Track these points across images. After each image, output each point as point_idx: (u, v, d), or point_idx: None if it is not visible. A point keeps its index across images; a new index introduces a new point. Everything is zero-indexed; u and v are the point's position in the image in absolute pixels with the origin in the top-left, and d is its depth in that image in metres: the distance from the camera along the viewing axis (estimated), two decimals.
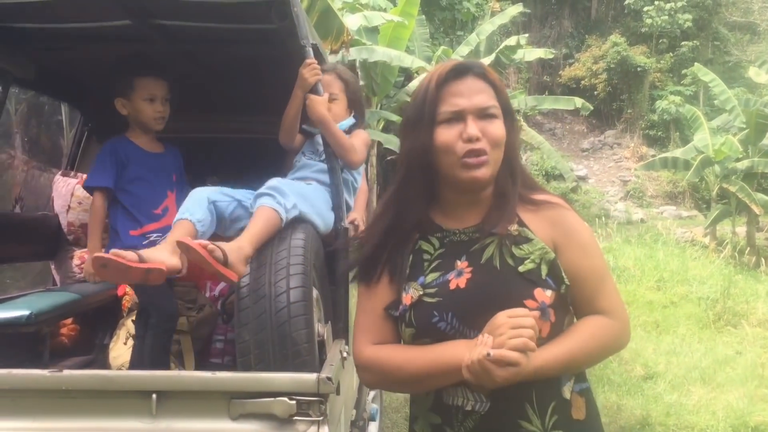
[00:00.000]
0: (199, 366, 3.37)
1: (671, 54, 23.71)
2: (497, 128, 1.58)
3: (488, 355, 1.39)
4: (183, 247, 2.15)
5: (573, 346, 1.54)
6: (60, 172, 4.19)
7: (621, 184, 21.70)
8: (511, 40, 14.86)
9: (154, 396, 1.93)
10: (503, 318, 1.44)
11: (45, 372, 2.01)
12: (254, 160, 4.06)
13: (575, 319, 1.63)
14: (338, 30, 9.23)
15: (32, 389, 1.97)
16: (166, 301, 2.98)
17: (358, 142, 2.90)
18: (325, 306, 2.65)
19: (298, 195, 2.53)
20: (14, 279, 7.01)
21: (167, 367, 2.90)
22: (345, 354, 2.41)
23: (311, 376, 1.94)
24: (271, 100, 3.79)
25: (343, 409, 2.53)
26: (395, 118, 13.26)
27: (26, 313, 3.34)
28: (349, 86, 3.10)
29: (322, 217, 2.62)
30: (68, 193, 4.02)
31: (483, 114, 1.58)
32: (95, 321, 3.80)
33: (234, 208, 2.60)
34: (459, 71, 1.61)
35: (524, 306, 1.50)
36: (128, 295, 3.64)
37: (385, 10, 12.83)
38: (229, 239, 2.36)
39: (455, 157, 1.57)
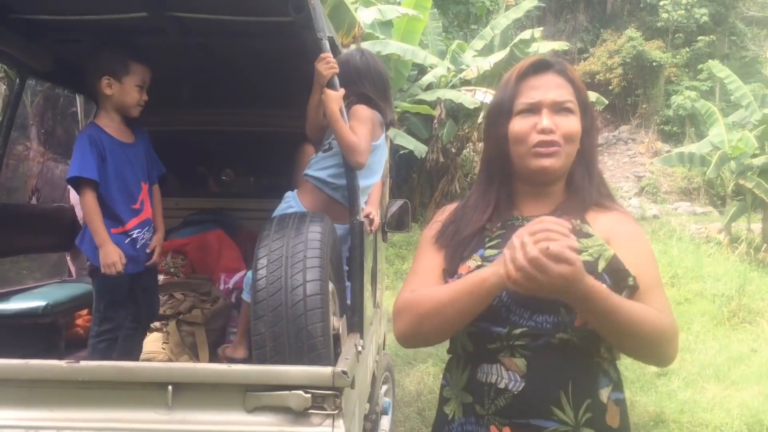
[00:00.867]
0: (213, 358, 3.39)
1: (687, 49, 23.50)
2: (572, 123, 1.61)
3: (548, 248, 1.32)
4: None
5: (631, 307, 1.47)
6: None
7: (635, 179, 21.57)
8: (526, 34, 14.78)
9: (170, 388, 1.93)
10: (544, 223, 1.37)
11: (62, 363, 2.02)
12: (269, 153, 4.07)
13: None
14: (350, 24, 9.20)
15: (49, 380, 1.98)
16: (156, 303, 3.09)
17: (361, 130, 2.80)
18: (341, 299, 2.65)
19: None
20: (30, 270, 7.06)
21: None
22: (360, 348, 2.41)
23: (326, 370, 1.94)
24: (286, 94, 3.79)
25: (358, 402, 2.53)
26: (409, 107, 13.22)
27: (42, 303, 3.38)
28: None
29: None
30: None
31: (559, 108, 1.61)
32: None
33: None
34: (540, 66, 1.65)
35: None
36: None
37: (399, 4, 12.79)
38: None
39: (527, 146, 1.60)
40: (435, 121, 14.70)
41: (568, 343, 1.53)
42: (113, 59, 2.95)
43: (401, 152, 15.37)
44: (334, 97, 2.72)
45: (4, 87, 7.46)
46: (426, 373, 6.32)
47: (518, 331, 1.54)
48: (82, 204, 2.90)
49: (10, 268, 6.81)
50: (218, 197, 4.65)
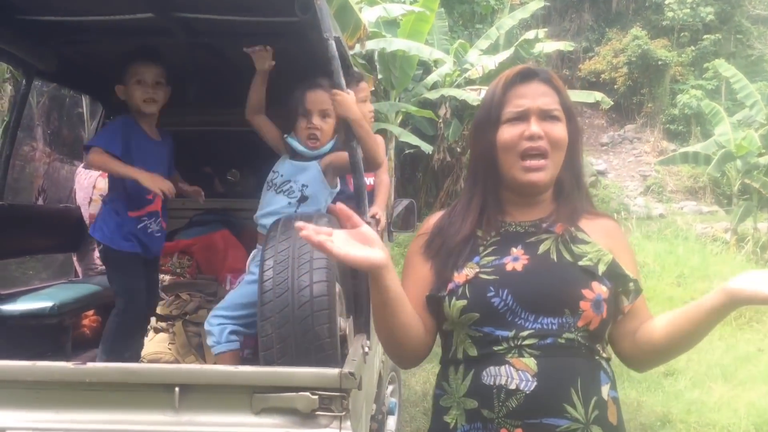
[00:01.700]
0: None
1: (693, 47, 23.40)
2: (559, 130, 1.64)
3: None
4: None
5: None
6: (82, 165, 4.22)
7: (641, 178, 21.50)
8: (530, 34, 14.75)
9: (176, 389, 1.93)
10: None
11: (69, 364, 2.02)
12: (275, 153, 4.05)
13: (612, 329, 1.66)
14: (355, 25, 9.17)
15: (56, 381, 1.99)
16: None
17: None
18: (347, 300, 2.65)
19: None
20: (37, 271, 7.08)
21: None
22: (366, 349, 2.40)
23: (334, 371, 1.93)
24: (291, 94, 3.78)
25: (364, 403, 2.52)
26: (413, 109, 13.21)
27: (49, 304, 3.38)
28: None
29: None
30: (90, 186, 4.05)
31: (546, 116, 1.63)
32: None
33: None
34: (526, 75, 1.68)
35: (582, 295, 1.55)
36: None
37: (404, 2, 12.78)
38: None
39: (515, 155, 1.62)
40: (440, 120, 14.69)
41: (574, 342, 1.56)
42: (123, 70, 3.13)
43: (406, 151, 15.36)
44: (353, 99, 2.75)
45: (10, 88, 7.47)
46: (432, 373, 6.31)
47: (525, 333, 1.56)
48: (101, 162, 3.08)
49: (17, 269, 6.83)
50: (224, 197, 4.64)
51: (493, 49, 15.18)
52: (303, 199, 2.88)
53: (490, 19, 17.90)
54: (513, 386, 1.54)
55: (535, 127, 1.61)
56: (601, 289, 1.57)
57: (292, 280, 2.22)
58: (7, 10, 2.98)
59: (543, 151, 1.61)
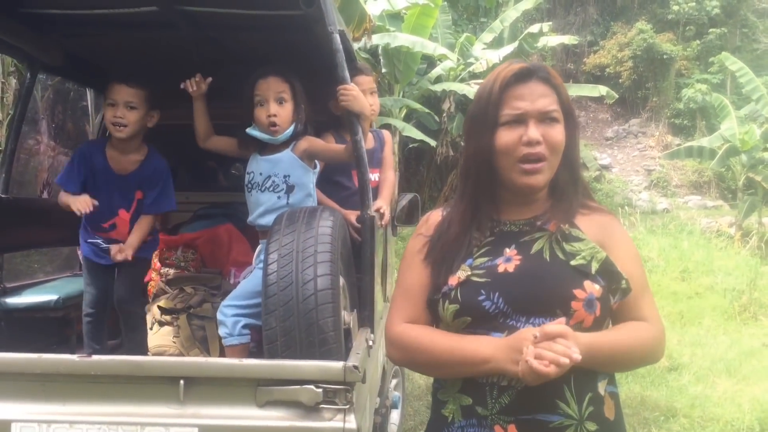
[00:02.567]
0: (224, 353, 3.40)
1: (698, 41, 23.30)
2: (558, 133, 1.61)
3: (530, 366, 1.42)
4: None
5: (618, 339, 1.59)
6: None
7: (645, 173, 21.44)
8: (534, 28, 14.70)
9: (181, 382, 1.94)
10: (545, 333, 1.46)
11: (74, 357, 2.03)
12: None
13: (611, 326, 1.66)
14: (360, 17, 9.14)
15: (61, 374, 2.00)
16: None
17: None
18: (351, 294, 2.65)
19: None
20: (41, 264, 7.09)
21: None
22: (371, 342, 2.40)
23: (338, 365, 1.94)
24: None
25: (368, 397, 2.53)
26: (417, 105, 13.19)
27: (54, 297, 3.40)
28: (296, 89, 2.97)
29: None
30: None
31: (545, 118, 1.60)
32: None
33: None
34: (523, 75, 1.62)
35: (573, 295, 1.54)
36: (153, 281, 3.66)
37: None
38: None
39: (513, 159, 1.60)
40: (444, 114, 14.66)
41: None
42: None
43: (410, 146, 15.34)
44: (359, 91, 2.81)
45: (15, 81, 7.48)
46: None
47: None
48: (60, 201, 3.09)
49: (22, 262, 6.84)
50: (228, 191, 4.64)
51: (497, 43, 15.12)
52: (290, 189, 2.88)
53: (494, 12, 17.84)
54: (504, 383, 1.55)
55: (533, 132, 1.58)
56: (593, 288, 1.55)
57: (296, 273, 2.23)
58: (11, 4, 2.98)
59: (541, 156, 1.59)
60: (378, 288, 2.87)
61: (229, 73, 3.76)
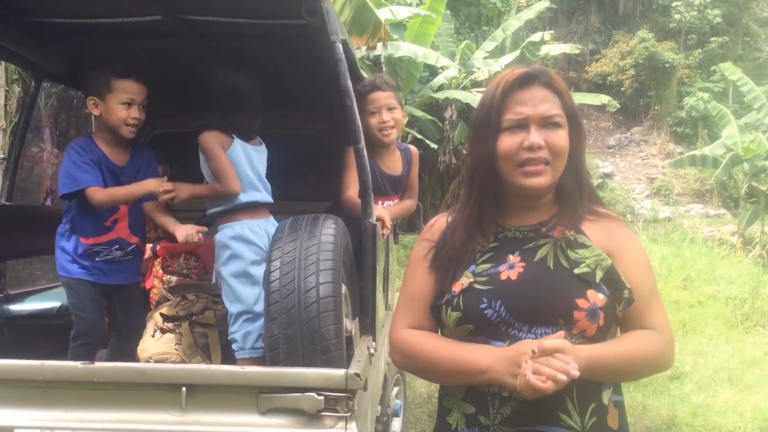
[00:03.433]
0: (226, 360, 3.40)
1: (700, 50, 23.34)
2: (560, 138, 1.60)
3: (527, 380, 1.43)
4: None
5: (620, 350, 1.57)
6: None
7: (647, 181, 21.44)
8: (536, 36, 14.73)
9: (183, 389, 1.95)
10: (544, 348, 1.46)
11: (77, 364, 2.04)
12: (281, 155, 4.07)
13: (619, 334, 1.65)
14: (375, 26, 9.00)
15: (64, 381, 2.00)
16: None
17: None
18: (353, 302, 2.65)
19: None
20: (44, 271, 7.10)
21: None
22: (372, 350, 2.41)
23: (340, 372, 1.95)
24: (299, 96, 3.80)
25: (370, 404, 2.53)
26: (420, 113, 13.21)
27: (57, 305, 3.40)
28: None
29: None
30: None
31: (547, 123, 1.59)
32: None
33: None
34: (525, 80, 1.62)
35: (576, 305, 1.53)
36: (156, 288, 3.67)
37: (410, 5, 12.78)
38: None
39: (514, 164, 1.59)
40: (446, 122, 14.68)
41: None
42: (98, 79, 2.90)
43: None
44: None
45: (19, 89, 7.51)
46: None
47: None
48: (108, 197, 2.88)
49: (25, 269, 6.85)
50: None
51: (499, 52, 15.16)
52: None
53: (496, 21, 17.89)
54: (506, 393, 1.55)
55: (535, 136, 1.57)
56: (597, 298, 1.54)
57: (298, 281, 2.23)
58: (15, 13, 3.00)
59: (543, 160, 1.58)
60: (380, 296, 2.87)
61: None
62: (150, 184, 2.86)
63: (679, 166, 17.86)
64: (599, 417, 1.55)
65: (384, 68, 13.02)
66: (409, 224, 4.06)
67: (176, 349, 3.36)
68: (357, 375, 1.93)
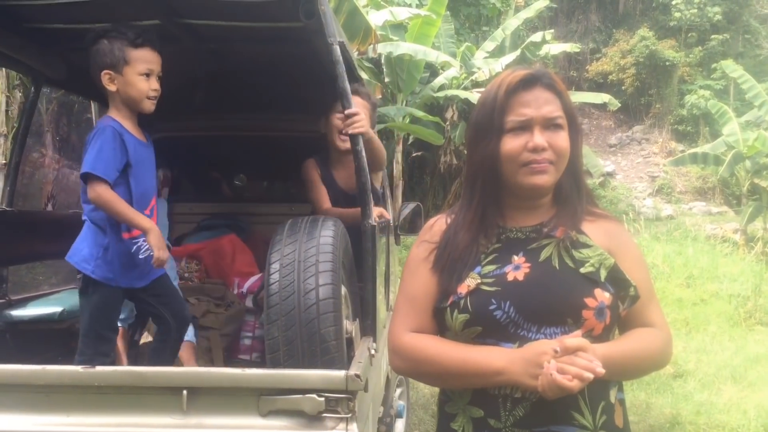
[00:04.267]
0: (227, 362, 3.41)
1: (700, 48, 23.32)
2: (562, 140, 1.61)
3: (553, 379, 1.43)
4: None
5: (631, 348, 1.60)
6: None
7: (649, 179, 21.43)
8: (536, 36, 14.74)
9: (184, 392, 1.95)
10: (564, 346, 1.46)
11: (78, 368, 2.05)
12: (282, 157, 4.08)
13: (617, 333, 1.66)
14: (366, 31, 9.14)
15: (65, 385, 2.01)
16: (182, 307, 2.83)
17: None
18: (353, 303, 2.66)
19: None
20: (46, 276, 7.12)
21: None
22: (373, 351, 2.41)
23: (340, 374, 1.95)
24: (298, 98, 3.80)
25: (371, 406, 2.53)
26: (420, 113, 13.22)
27: (58, 309, 3.41)
28: None
29: None
30: None
31: (549, 124, 1.60)
32: None
33: None
34: (528, 81, 1.62)
35: (584, 304, 1.54)
36: None
37: (410, 5, 12.79)
38: None
39: (517, 165, 1.60)
40: (447, 123, 14.69)
41: None
42: (111, 50, 2.58)
43: (414, 154, 15.36)
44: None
45: (20, 95, 7.53)
46: None
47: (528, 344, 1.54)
48: (100, 198, 2.51)
49: (26, 274, 6.87)
50: (231, 202, 4.67)
51: (499, 52, 15.17)
52: None
53: (496, 21, 17.89)
54: (518, 395, 1.54)
55: (539, 138, 1.57)
56: (603, 296, 1.55)
57: (298, 282, 2.24)
58: (14, 19, 3.01)
59: (547, 162, 1.59)
60: (380, 297, 2.87)
61: (238, 86, 3.80)
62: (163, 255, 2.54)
63: (680, 164, 17.86)
64: (608, 415, 1.56)
65: (384, 69, 13.04)
66: (411, 225, 4.06)
67: None
68: (357, 376, 1.93)
